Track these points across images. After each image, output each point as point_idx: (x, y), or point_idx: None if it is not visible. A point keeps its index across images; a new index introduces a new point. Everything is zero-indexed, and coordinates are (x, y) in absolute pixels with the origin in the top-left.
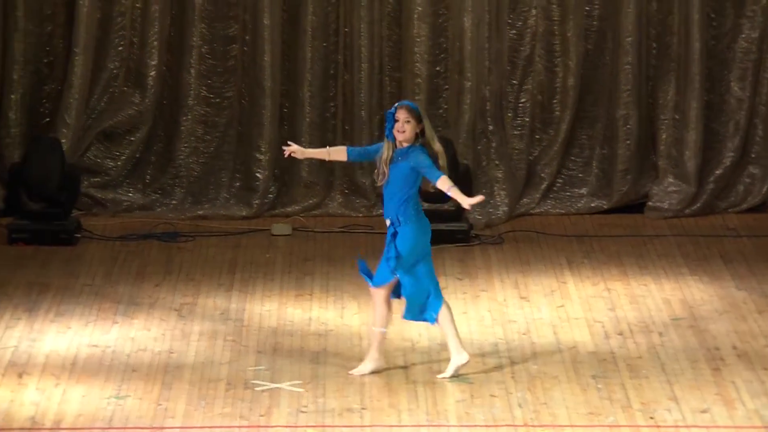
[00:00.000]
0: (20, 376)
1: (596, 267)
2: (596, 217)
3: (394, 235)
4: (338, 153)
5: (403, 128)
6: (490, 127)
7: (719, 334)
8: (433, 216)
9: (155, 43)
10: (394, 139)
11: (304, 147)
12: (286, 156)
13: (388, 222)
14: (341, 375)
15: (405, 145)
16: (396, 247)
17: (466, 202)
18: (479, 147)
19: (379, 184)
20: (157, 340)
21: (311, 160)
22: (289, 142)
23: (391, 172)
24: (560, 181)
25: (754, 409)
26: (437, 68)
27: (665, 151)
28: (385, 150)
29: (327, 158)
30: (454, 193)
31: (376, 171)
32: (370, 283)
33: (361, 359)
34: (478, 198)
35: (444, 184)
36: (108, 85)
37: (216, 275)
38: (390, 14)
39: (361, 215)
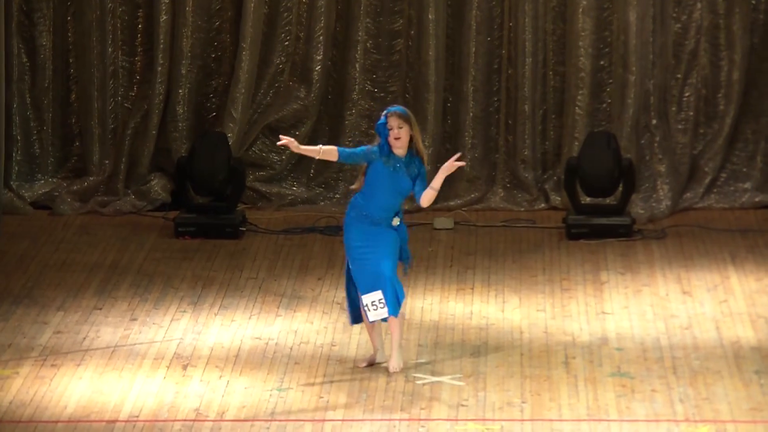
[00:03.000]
0: (185, 368)
1: (760, 262)
2: (761, 212)
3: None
4: (329, 153)
5: (399, 135)
6: (654, 122)
7: None
8: (595, 210)
9: (321, 38)
10: (389, 151)
11: (465, 141)
12: (278, 144)
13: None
14: (502, 369)
15: (401, 152)
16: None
17: (440, 178)
18: (642, 141)
19: (354, 188)
20: (319, 333)
21: (474, 154)
22: (281, 137)
23: (388, 178)
24: (724, 175)
25: None
26: (601, 62)
27: None
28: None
29: (317, 157)
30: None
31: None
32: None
33: (521, 353)
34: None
35: (425, 202)
36: (274, 79)
37: None
38: (554, 8)
39: (523, 209)
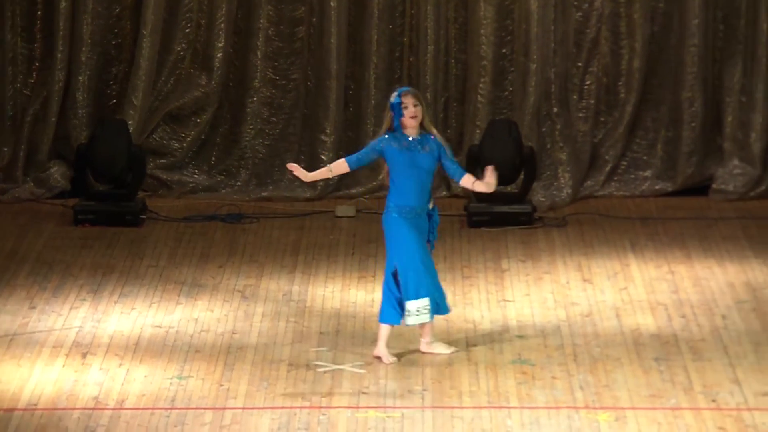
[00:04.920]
0: (84, 356)
1: (660, 249)
2: (660, 200)
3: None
4: (339, 167)
5: (415, 113)
6: (555, 110)
7: None
8: (496, 198)
9: (222, 25)
10: (400, 132)
11: (367, 129)
12: (289, 175)
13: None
14: (403, 356)
15: (413, 132)
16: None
17: (487, 185)
18: (544, 129)
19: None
20: (220, 321)
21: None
22: (290, 165)
23: (406, 158)
24: (624, 163)
25: None
26: (503, 50)
27: (731, 134)
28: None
29: (330, 176)
30: (478, 186)
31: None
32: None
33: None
34: (490, 173)
35: (468, 180)
36: (175, 67)
37: (279, 257)
38: None
39: None
